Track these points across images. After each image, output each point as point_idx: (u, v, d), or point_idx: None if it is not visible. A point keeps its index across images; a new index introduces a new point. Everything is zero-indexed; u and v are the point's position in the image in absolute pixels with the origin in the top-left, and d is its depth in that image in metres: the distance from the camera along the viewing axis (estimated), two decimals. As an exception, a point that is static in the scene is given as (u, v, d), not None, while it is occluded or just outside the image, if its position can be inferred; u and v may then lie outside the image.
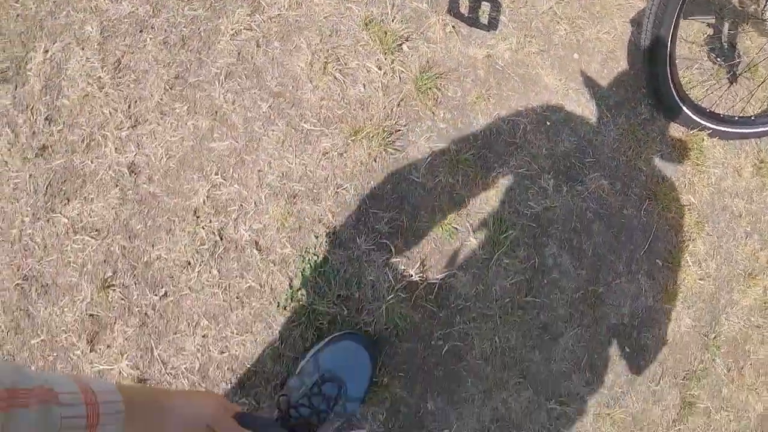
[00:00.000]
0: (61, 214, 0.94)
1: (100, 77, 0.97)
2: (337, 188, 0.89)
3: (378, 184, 0.90)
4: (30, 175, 0.95)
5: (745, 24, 1.43)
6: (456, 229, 0.91)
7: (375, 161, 0.89)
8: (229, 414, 0.58)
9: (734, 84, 1.38)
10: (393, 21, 0.95)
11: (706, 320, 1.19)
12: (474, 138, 0.95)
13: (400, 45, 0.95)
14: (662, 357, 1.13)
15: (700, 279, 1.17)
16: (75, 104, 0.97)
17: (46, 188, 0.95)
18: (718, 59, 1.36)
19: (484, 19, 1.01)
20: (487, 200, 0.94)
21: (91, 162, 0.95)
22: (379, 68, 0.93)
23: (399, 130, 0.91)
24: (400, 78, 0.93)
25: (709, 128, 1.21)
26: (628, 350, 1.07)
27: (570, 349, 0.99)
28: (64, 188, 0.95)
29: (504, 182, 0.95)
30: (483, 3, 1.02)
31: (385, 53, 0.93)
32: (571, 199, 1.01)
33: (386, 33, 0.94)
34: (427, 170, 0.91)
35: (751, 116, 1.28)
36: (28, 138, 0.96)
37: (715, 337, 1.20)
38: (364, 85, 0.92)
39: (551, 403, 0.97)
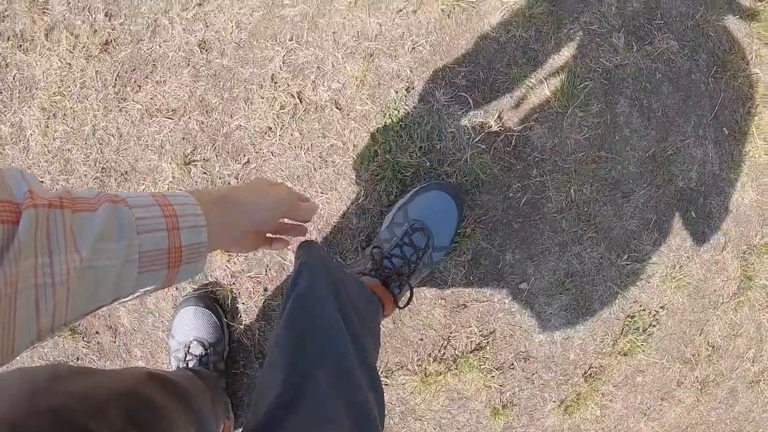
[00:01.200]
0: (133, 101, 0.96)
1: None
2: (414, 45, 0.89)
3: (453, 39, 0.90)
4: (96, 72, 0.97)
5: None
6: (531, 82, 0.91)
7: (449, 17, 0.89)
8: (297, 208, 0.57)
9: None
10: None
11: (768, 196, 1.19)
12: (546, -8, 0.94)
13: None
14: (726, 227, 1.14)
15: (765, 153, 1.16)
16: (136, -8, 0.97)
17: (115, 80, 0.97)
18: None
19: None
20: (560, 55, 0.93)
21: (159, 47, 0.96)
22: (448, -77, 0.91)
23: (471, -16, 0.90)
24: (469, -68, 0.91)
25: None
26: (694, 215, 1.08)
27: (640, 208, 1.00)
28: (133, 77, 0.97)
29: (575, 38, 0.95)
30: None
31: None
32: (641, 59, 1.00)
33: None
34: (501, 25, 0.91)
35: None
36: (89, 37, 0.97)
37: (776, 215, 1.21)
38: (434, -59, 0.90)
39: (622, 260, 0.99)
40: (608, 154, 0.96)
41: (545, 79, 0.92)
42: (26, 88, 1.00)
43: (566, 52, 0.94)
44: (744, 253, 1.17)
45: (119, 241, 0.35)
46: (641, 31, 1.01)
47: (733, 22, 1.13)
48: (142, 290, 0.40)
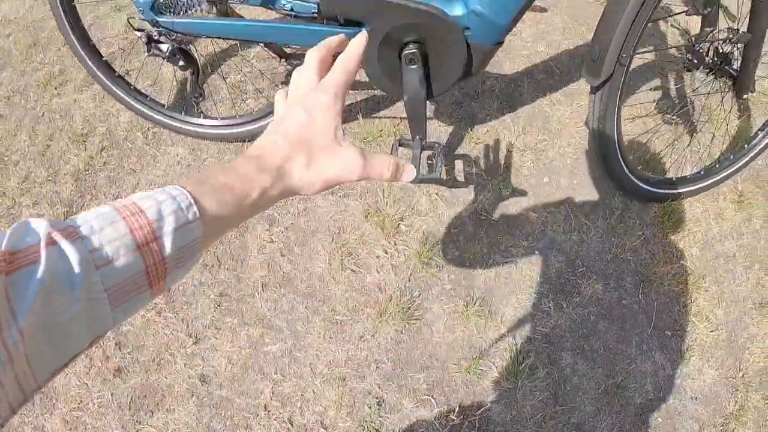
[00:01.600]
0: (149, 425, 1.13)
1: (155, 303, 1.18)
2: (377, 364, 1.07)
3: (409, 351, 1.08)
4: (112, 394, 1.14)
5: (688, 72, 1.54)
6: (481, 370, 1.08)
7: (402, 333, 1.07)
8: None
9: (695, 135, 1.51)
10: (387, 205, 1.15)
11: (729, 364, 1.30)
12: (478, 289, 1.12)
13: (398, 225, 1.14)
14: (696, 413, 1.24)
15: (711, 331, 1.29)
16: (139, 330, 1.16)
17: (129, 404, 1.14)
18: (674, 118, 1.50)
19: (460, 178, 1.19)
20: (501, 338, 1.10)
21: (165, 378, 1.14)
22: (386, 252, 1.12)
23: (415, 302, 1.09)
24: (405, 256, 1.12)
25: (680, 194, 1.34)
26: (660, 420, 1.20)
27: (606, 440, 1.13)
28: (146, 402, 1.14)
29: (512, 317, 1.12)
30: (456, 162, 1.21)
31: (387, 237, 1.12)
32: (572, 311, 1.16)
33: (384, 219, 1.13)
34: (446, 328, 1.08)
35: (715, 164, 1.37)
36: (102, 362, 1.15)
37: (743, 375, 1.30)
38: (377, 270, 1.11)
39: (602, 493, 1.10)
40: (563, 407, 1.10)
41: (492, 362, 1.08)
42: (47, 397, 1.15)
43: (506, 333, 1.11)
44: (722, 425, 1.26)
45: (73, 288, 0.30)
46: (568, 285, 1.19)
47: (647, 235, 1.30)
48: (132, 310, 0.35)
